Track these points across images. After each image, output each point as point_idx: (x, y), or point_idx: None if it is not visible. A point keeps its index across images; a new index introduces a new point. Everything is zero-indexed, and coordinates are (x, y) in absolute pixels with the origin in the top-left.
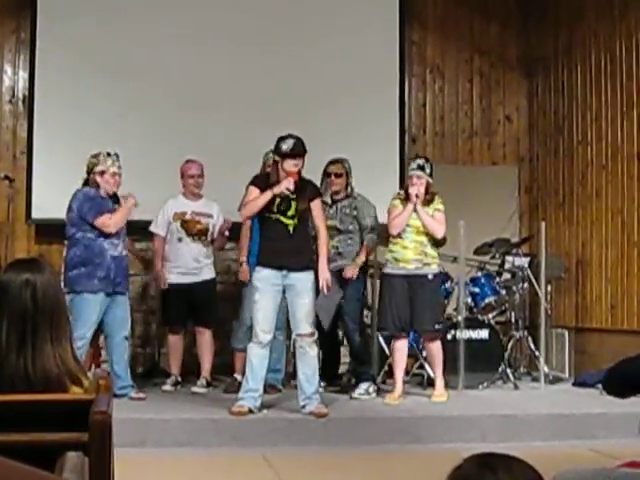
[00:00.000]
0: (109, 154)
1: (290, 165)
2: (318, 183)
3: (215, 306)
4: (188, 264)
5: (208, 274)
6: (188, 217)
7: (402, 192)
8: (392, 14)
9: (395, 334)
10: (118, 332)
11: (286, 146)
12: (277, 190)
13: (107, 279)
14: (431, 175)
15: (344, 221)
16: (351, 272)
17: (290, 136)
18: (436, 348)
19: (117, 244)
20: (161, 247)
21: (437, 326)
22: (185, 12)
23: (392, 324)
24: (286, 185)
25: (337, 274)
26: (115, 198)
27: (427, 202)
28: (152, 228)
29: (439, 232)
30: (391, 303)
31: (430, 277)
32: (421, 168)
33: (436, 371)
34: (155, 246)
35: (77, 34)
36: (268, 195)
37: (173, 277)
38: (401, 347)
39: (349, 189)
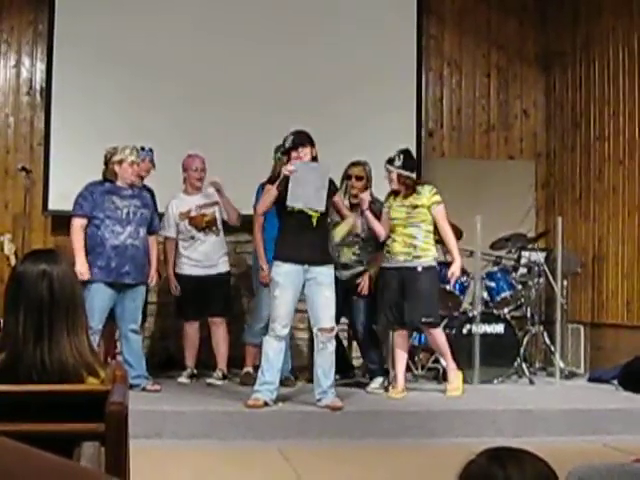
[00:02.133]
0: (129, 147)
1: (295, 157)
2: (336, 180)
3: (229, 299)
4: (203, 258)
5: (223, 267)
6: (193, 214)
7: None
8: (410, 8)
9: (389, 328)
10: (125, 324)
11: (287, 142)
12: (276, 183)
13: (107, 268)
14: (409, 167)
15: (364, 228)
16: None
17: (294, 132)
18: (436, 339)
19: (120, 232)
20: (172, 249)
21: (424, 319)
22: (201, 4)
23: (385, 318)
24: (286, 169)
25: (352, 280)
26: (135, 188)
27: (407, 195)
28: (162, 232)
29: (382, 236)
30: (384, 297)
31: (419, 269)
32: (390, 162)
33: (446, 361)
34: (167, 249)
35: (94, 26)
36: (272, 192)
37: (188, 269)
38: (399, 341)
39: (368, 192)
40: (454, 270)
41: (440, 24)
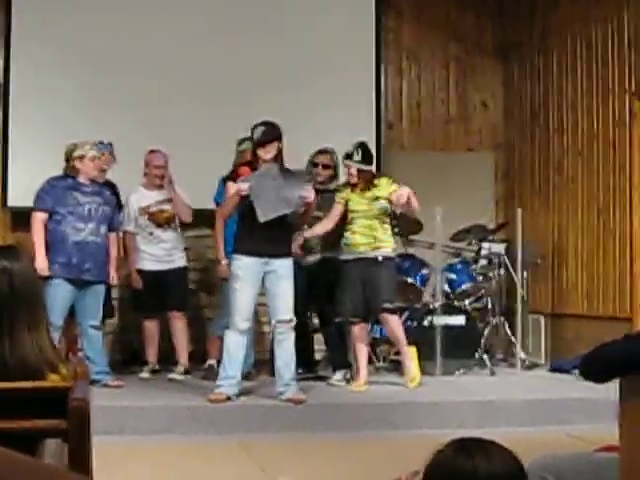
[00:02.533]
0: (89, 143)
1: (262, 152)
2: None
3: (187, 293)
4: (161, 253)
5: (180, 262)
6: (153, 209)
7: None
8: (368, 0)
9: (350, 320)
10: (86, 320)
11: (256, 134)
12: (240, 193)
13: (68, 265)
14: (367, 161)
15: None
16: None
17: (262, 123)
18: (393, 327)
19: (82, 229)
20: (133, 244)
21: (386, 305)
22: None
23: (345, 310)
24: (240, 191)
25: (316, 268)
26: (96, 185)
27: (365, 188)
28: (122, 227)
29: (326, 229)
30: (344, 289)
31: (380, 259)
32: (348, 156)
33: (400, 349)
34: (127, 243)
35: (53, 21)
36: (235, 199)
37: (146, 264)
38: (359, 333)
39: (335, 181)
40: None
41: (398, 17)
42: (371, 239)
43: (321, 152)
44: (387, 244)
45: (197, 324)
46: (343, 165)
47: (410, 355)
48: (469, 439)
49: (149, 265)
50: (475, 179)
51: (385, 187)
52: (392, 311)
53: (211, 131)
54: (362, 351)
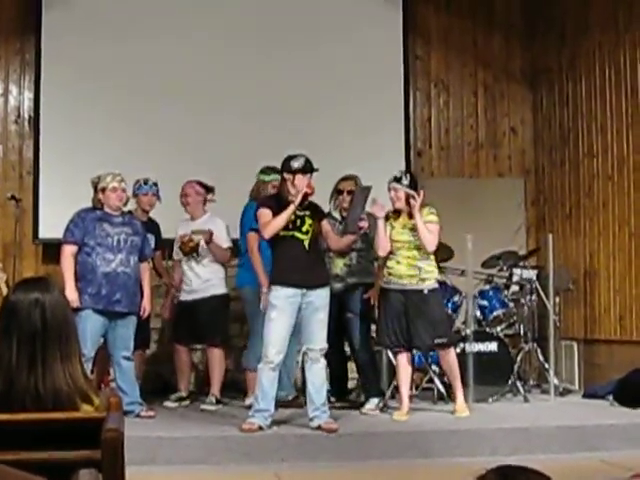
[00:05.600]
0: (110, 174)
1: (301, 180)
2: (324, 198)
3: (223, 323)
4: (192, 283)
5: (216, 290)
6: (185, 238)
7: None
8: (395, 28)
9: (393, 349)
10: (118, 351)
11: (298, 163)
12: (298, 201)
13: (98, 296)
14: (413, 187)
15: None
16: (373, 295)
17: (300, 155)
18: (450, 360)
19: (111, 260)
20: (177, 272)
21: (437, 340)
22: (187, 25)
23: (388, 339)
24: (304, 191)
25: (344, 295)
26: (126, 216)
27: (410, 215)
28: (174, 256)
29: (429, 244)
30: (387, 318)
31: (425, 292)
32: (397, 180)
33: (454, 384)
34: (175, 274)
35: (81, 53)
36: (291, 209)
37: (182, 295)
38: (402, 363)
39: None
40: None
41: (426, 44)
42: (416, 270)
43: (345, 179)
44: (432, 274)
45: (233, 354)
46: (389, 189)
47: (461, 389)
48: (511, 466)
49: (184, 296)
50: (505, 205)
51: (425, 216)
52: (446, 345)
53: (242, 158)
54: (405, 380)
